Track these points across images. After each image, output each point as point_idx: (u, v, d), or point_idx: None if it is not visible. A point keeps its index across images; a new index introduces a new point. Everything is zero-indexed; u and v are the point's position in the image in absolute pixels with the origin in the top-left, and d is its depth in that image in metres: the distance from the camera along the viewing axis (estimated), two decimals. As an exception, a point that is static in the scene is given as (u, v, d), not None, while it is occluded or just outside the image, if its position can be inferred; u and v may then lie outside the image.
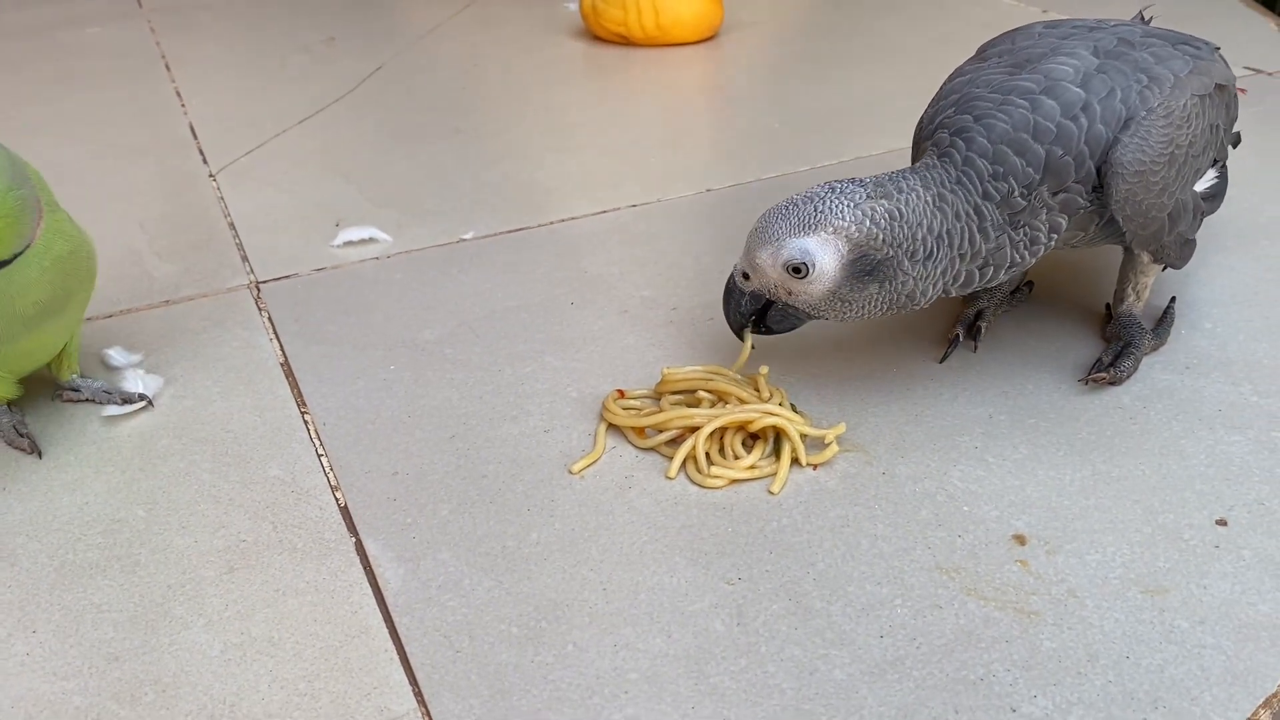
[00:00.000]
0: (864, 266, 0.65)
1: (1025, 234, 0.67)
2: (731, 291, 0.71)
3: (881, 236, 0.64)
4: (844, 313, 0.67)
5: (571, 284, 0.89)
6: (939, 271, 0.66)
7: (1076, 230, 0.69)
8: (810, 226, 0.65)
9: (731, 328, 0.72)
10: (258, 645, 0.57)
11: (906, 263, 0.65)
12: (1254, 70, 1.29)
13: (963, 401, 0.73)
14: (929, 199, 0.65)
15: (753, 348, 0.72)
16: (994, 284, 0.69)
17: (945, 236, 0.65)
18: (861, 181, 0.66)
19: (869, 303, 0.66)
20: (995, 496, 0.65)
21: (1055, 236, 0.68)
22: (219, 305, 0.88)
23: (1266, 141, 1.09)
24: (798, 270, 0.65)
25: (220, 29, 1.65)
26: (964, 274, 0.67)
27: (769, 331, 0.71)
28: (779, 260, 0.66)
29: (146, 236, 1.00)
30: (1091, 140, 0.66)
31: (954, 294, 0.68)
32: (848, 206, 0.64)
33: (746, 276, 0.69)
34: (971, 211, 0.66)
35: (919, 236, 0.65)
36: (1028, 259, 0.68)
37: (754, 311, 0.70)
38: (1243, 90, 1.14)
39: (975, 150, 0.66)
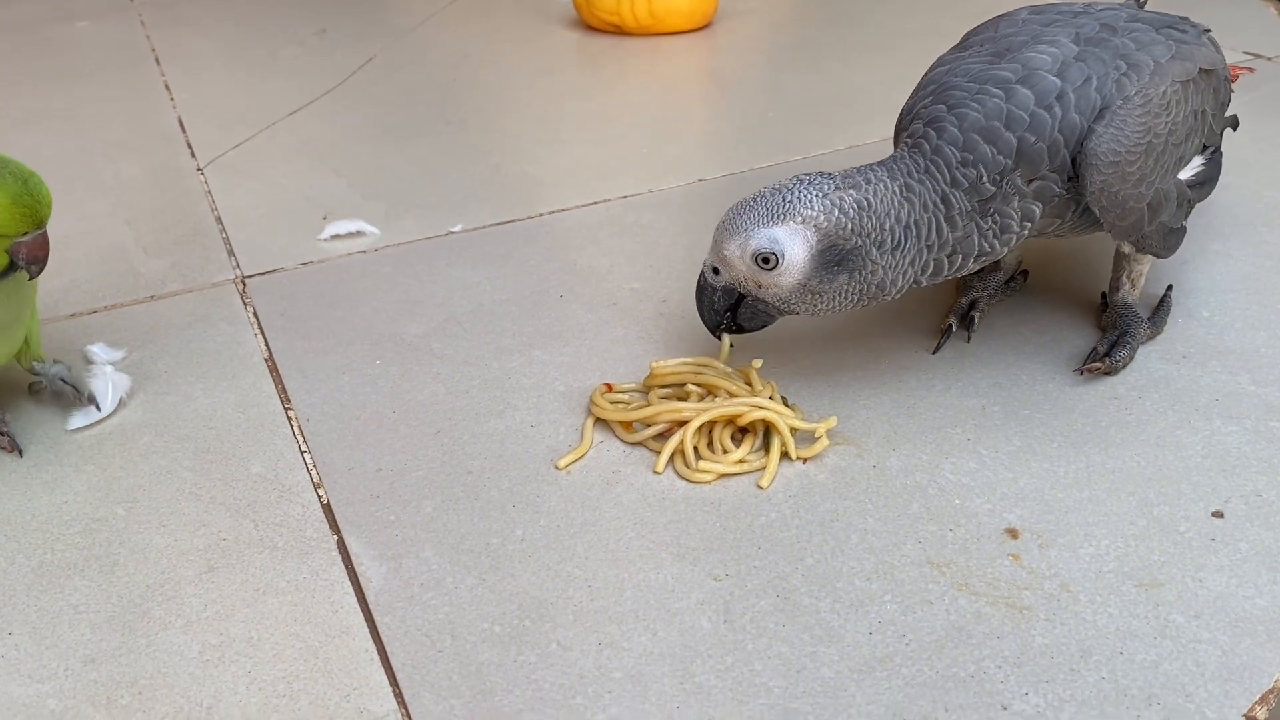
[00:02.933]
0: (832, 257, 0.64)
1: (995, 222, 0.66)
2: (703, 289, 0.69)
3: (850, 226, 0.64)
4: (814, 305, 0.66)
5: (561, 277, 0.88)
6: (907, 261, 0.65)
7: (1053, 218, 0.68)
8: (778, 217, 0.64)
9: (707, 326, 0.71)
10: (237, 646, 0.56)
11: (875, 252, 0.64)
12: (1253, 55, 1.27)
13: (955, 393, 0.72)
14: (896, 189, 0.65)
15: (731, 345, 0.71)
16: (963, 273, 0.68)
17: (913, 227, 0.65)
18: (830, 174, 0.66)
19: (839, 294, 0.66)
20: (987, 489, 0.64)
21: (1029, 225, 0.66)
22: (204, 300, 0.87)
23: (1265, 127, 1.07)
24: (766, 261, 0.64)
25: (210, 22, 1.64)
26: (932, 263, 0.66)
27: (740, 330, 0.70)
28: (748, 251, 0.65)
29: (133, 232, 0.99)
30: (1066, 129, 0.65)
31: (924, 284, 0.67)
32: (816, 197, 0.64)
33: (716, 271, 0.68)
34: (939, 201, 0.65)
35: (887, 226, 0.64)
36: (998, 248, 0.67)
37: (728, 307, 0.69)
38: (1251, 70, 1.12)
39: (946, 139, 0.65)
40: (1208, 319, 0.78)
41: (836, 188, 0.64)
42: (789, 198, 0.64)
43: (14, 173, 0.62)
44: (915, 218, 0.65)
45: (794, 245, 0.64)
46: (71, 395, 0.73)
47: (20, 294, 0.67)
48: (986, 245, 0.66)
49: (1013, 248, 0.68)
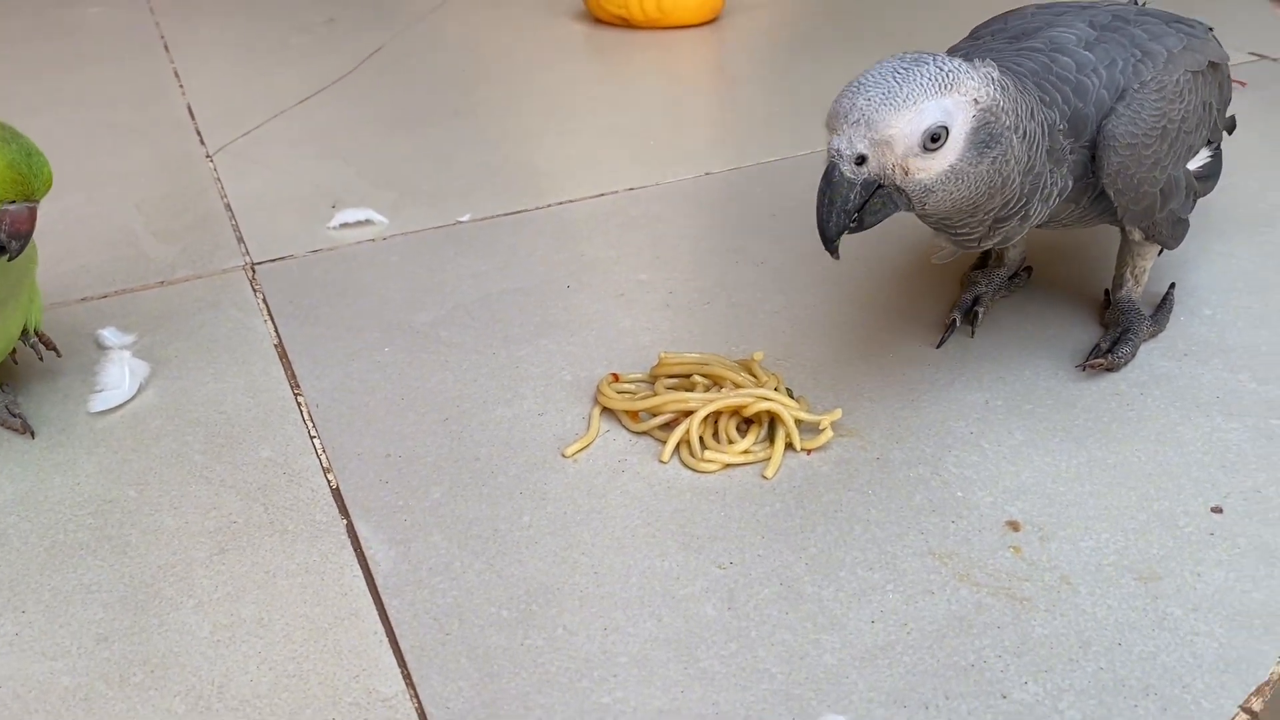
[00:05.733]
0: (983, 137, 0.58)
1: (1050, 181, 0.63)
2: (838, 185, 0.58)
3: (1002, 104, 0.58)
4: (951, 193, 0.59)
5: (568, 267, 0.89)
6: (1028, 157, 0.60)
7: (1069, 203, 0.68)
8: (945, 87, 0.57)
9: (829, 234, 0.60)
10: (247, 626, 0.57)
11: (1014, 139, 0.59)
12: (1259, 56, 1.28)
13: (959, 387, 0.72)
14: (1009, 82, 0.60)
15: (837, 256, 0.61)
16: (1004, 240, 0.65)
17: (1030, 121, 0.60)
18: (931, 54, 0.59)
19: (977, 182, 0.59)
20: (990, 482, 0.64)
21: (1058, 200, 0.66)
22: (214, 286, 0.88)
23: (1271, 128, 1.08)
24: (935, 139, 0.57)
25: (220, 9, 1.64)
26: (1017, 189, 0.61)
27: (859, 227, 0.61)
28: (920, 127, 0.56)
29: (143, 217, 1.00)
30: (1098, 103, 0.65)
31: (996, 233, 0.64)
32: (967, 69, 0.58)
33: (861, 161, 0.58)
34: (1042, 119, 0.61)
35: (1021, 110, 0.59)
36: (1041, 213, 0.65)
37: (860, 207, 0.59)
38: (1242, 82, 1.13)
39: (1019, 75, 0.63)
40: (1210, 317, 0.79)
41: (974, 66, 0.58)
42: (945, 67, 0.57)
43: (21, 144, 0.62)
44: (1028, 118, 0.60)
45: (958, 121, 0.57)
46: (18, 427, 0.71)
47: (9, 274, 0.66)
48: (1035, 206, 0.63)
49: (1032, 223, 0.66)
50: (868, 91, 0.57)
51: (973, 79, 0.58)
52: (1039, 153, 0.61)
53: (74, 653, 0.56)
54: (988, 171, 0.59)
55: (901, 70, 0.57)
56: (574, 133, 1.16)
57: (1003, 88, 0.59)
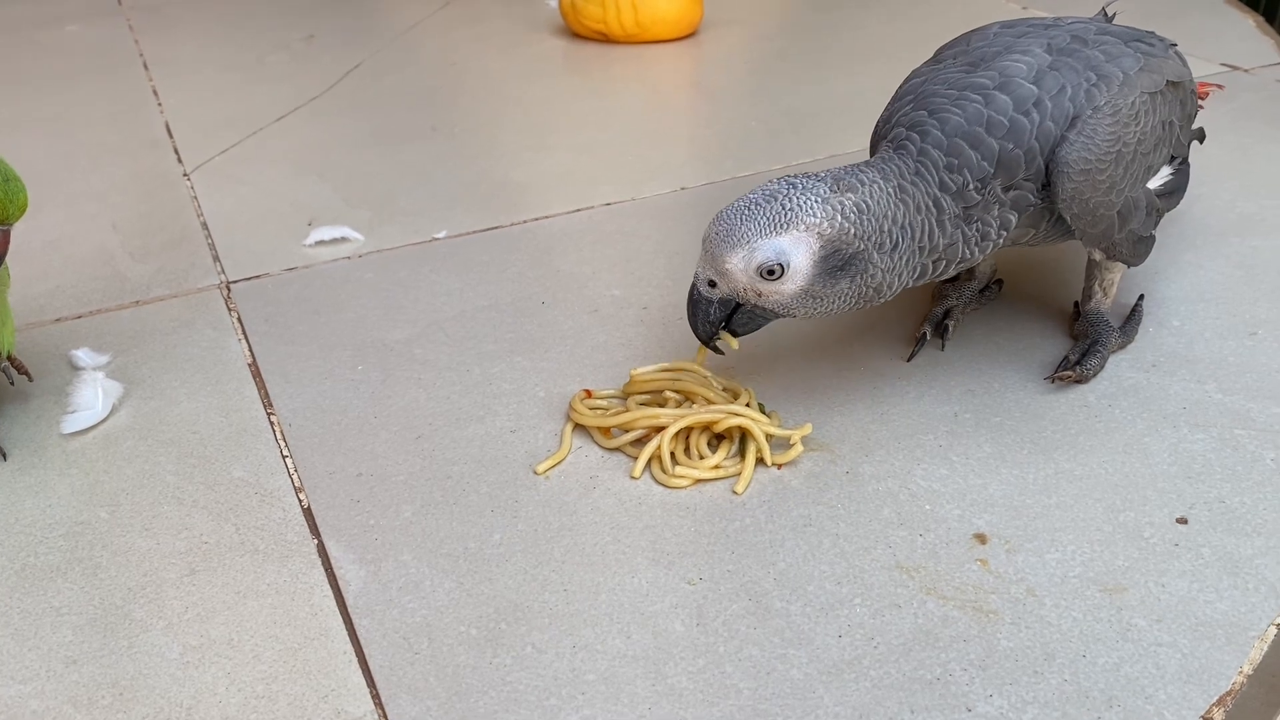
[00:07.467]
0: (836, 262, 0.63)
1: (977, 229, 0.67)
2: (698, 302, 0.67)
3: (853, 231, 0.63)
4: (814, 309, 0.65)
5: (543, 283, 0.89)
6: (904, 262, 0.65)
7: (1028, 228, 0.69)
8: (781, 226, 0.62)
9: (701, 339, 0.69)
10: (217, 648, 0.57)
11: (875, 255, 0.64)
12: (1230, 67, 1.29)
13: (929, 400, 0.73)
14: (890, 190, 0.64)
15: (722, 353, 0.71)
16: (942, 278, 0.69)
17: (908, 228, 0.64)
18: (819, 176, 0.64)
19: (839, 298, 0.65)
20: (958, 495, 0.65)
21: (1004, 234, 0.68)
22: (189, 305, 0.88)
23: (1241, 138, 1.09)
24: (771, 273, 0.63)
25: (199, 27, 1.64)
26: (919, 266, 0.66)
27: (734, 335, 0.69)
28: (752, 264, 0.63)
29: (120, 236, 1.00)
30: (1041, 136, 0.66)
31: (909, 285, 0.67)
32: (816, 202, 0.62)
33: (713, 284, 0.66)
34: (930, 204, 0.65)
35: (885, 229, 0.63)
36: (976, 255, 0.68)
37: (723, 319, 0.68)
38: (1220, 86, 1.14)
39: (930, 142, 0.66)
40: (1178, 328, 0.80)
41: (833, 191, 0.63)
42: (788, 205, 0.63)
43: None
44: (909, 219, 0.64)
45: (798, 254, 0.62)
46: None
47: None
48: (968, 252, 0.67)
49: (988, 256, 0.69)
50: (718, 225, 0.64)
51: (816, 215, 0.62)
52: (939, 233, 0.66)
53: (43, 676, 0.56)
54: (848, 287, 0.64)
55: (748, 209, 0.63)
56: (550, 148, 1.16)
57: (859, 211, 0.63)
